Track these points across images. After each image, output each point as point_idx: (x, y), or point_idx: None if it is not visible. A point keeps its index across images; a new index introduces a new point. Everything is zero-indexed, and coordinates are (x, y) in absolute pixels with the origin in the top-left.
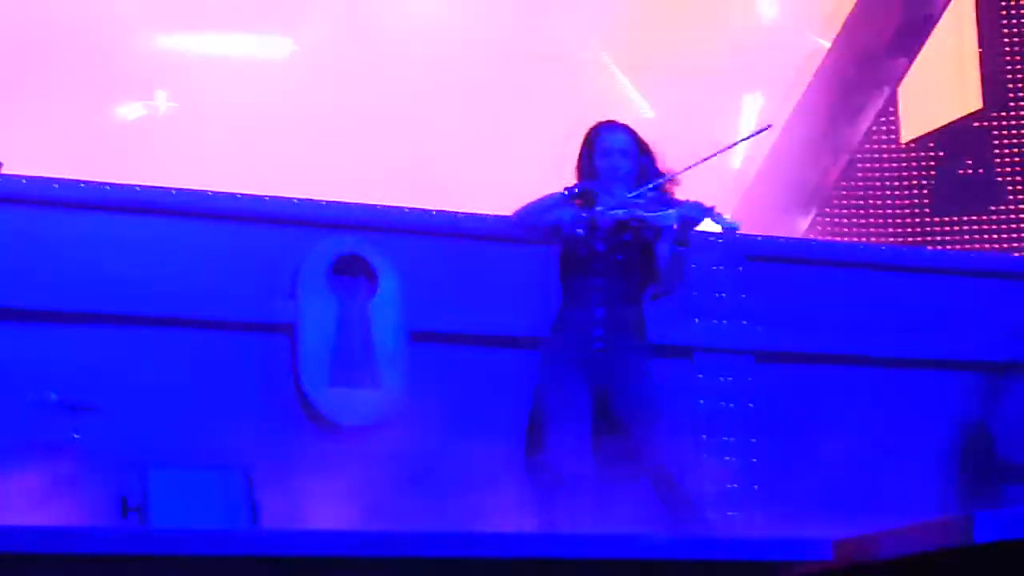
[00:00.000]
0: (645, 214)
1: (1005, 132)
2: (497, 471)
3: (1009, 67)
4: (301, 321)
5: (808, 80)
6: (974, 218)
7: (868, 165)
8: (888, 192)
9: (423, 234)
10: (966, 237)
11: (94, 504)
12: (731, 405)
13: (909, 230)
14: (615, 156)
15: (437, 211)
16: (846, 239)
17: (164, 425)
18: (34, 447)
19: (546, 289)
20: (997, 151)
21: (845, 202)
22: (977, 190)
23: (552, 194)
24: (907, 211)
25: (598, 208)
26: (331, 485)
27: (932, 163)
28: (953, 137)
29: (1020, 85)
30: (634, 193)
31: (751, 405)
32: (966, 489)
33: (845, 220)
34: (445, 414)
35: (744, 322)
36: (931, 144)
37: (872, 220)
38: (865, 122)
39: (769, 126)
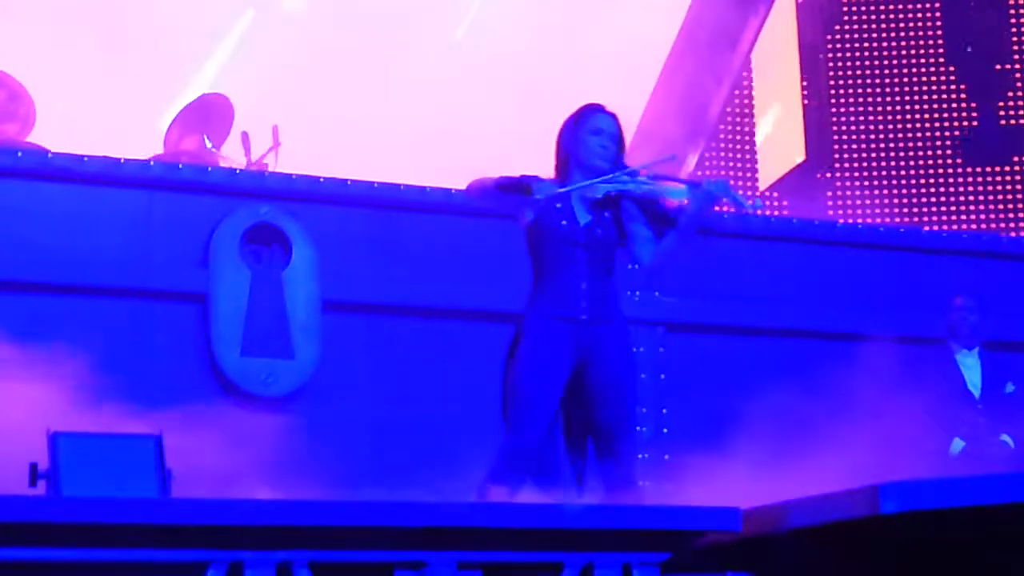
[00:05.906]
0: (641, 188)
1: None
2: (409, 441)
3: None
4: (214, 290)
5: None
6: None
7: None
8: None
9: (337, 204)
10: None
11: (4, 470)
12: (643, 376)
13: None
14: (605, 137)
15: (352, 181)
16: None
17: (76, 393)
18: None
19: (461, 260)
20: None
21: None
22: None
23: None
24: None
25: (578, 183)
26: (244, 455)
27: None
28: None
29: None
30: (609, 176)
31: (663, 376)
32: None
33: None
34: (358, 384)
35: (656, 294)
36: None
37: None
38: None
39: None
